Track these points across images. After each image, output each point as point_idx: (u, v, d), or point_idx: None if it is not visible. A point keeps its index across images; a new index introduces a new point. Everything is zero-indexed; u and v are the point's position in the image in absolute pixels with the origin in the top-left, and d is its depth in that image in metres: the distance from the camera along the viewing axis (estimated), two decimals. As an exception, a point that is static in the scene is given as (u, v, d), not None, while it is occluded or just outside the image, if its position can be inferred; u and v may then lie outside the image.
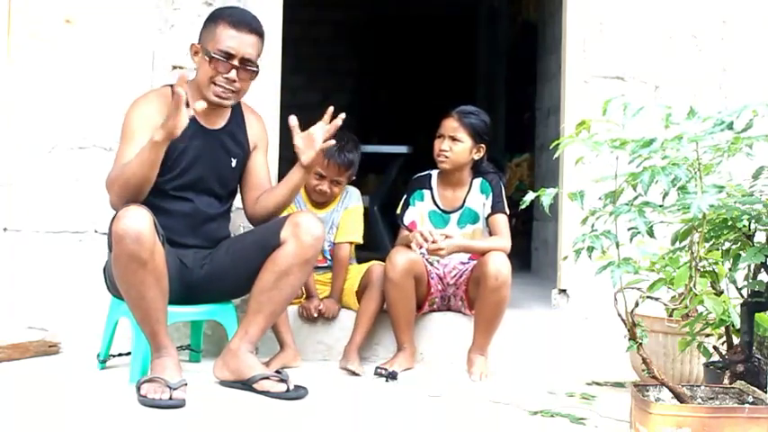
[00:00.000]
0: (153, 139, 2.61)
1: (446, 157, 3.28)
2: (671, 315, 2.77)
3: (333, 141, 2.84)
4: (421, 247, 3.09)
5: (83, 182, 3.32)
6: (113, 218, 2.63)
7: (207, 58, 2.80)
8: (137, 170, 2.65)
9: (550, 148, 2.25)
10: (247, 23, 2.83)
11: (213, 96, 2.83)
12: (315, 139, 2.82)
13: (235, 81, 2.81)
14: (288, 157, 3.26)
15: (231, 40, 2.79)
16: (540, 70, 4.96)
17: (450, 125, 3.28)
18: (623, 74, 3.48)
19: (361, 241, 3.42)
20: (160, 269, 2.62)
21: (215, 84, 2.81)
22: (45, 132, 3.33)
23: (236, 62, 2.80)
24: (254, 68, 2.85)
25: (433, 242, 3.08)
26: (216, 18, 2.85)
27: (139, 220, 2.56)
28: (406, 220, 3.37)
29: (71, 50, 3.34)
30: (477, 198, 3.33)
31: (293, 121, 2.84)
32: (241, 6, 3.21)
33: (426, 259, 3.25)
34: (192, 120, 2.85)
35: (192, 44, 2.88)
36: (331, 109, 2.84)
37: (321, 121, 2.84)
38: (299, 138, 2.84)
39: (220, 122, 2.93)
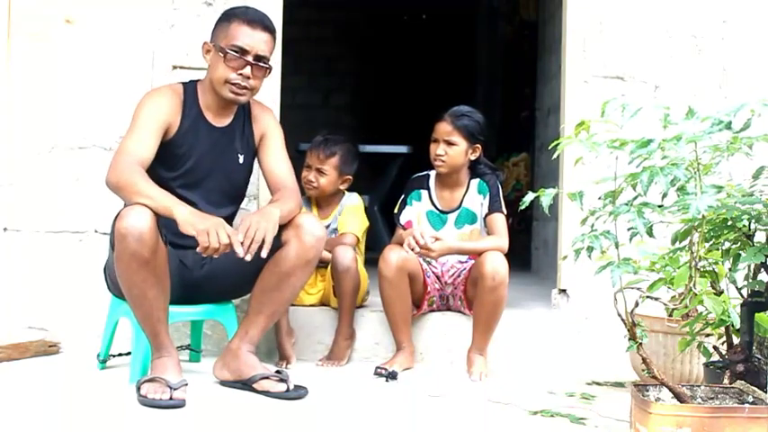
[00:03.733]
0: (173, 212, 2.56)
1: (443, 162, 3.29)
2: (671, 315, 2.78)
3: None
4: (413, 249, 3.09)
5: (83, 182, 3.32)
6: (116, 216, 2.63)
7: (221, 55, 2.81)
8: (146, 201, 2.58)
9: (549, 148, 2.25)
10: (260, 21, 2.85)
11: (228, 93, 2.84)
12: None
13: (249, 78, 2.82)
14: (289, 157, 3.25)
15: (246, 37, 2.81)
16: (540, 70, 4.96)
17: (444, 129, 3.28)
18: (623, 74, 3.48)
19: (358, 234, 3.41)
20: (162, 268, 2.62)
21: (229, 81, 2.82)
22: (45, 132, 3.33)
23: (250, 58, 2.81)
24: (268, 66, 2.87)
25: (424, 244, 3.08)
26: (229, 16, 2.86)
27: (142, 220, 2.56)
28: (403, 219, 3.37)
29: (71, 50, 3.34)
30: (475, 198, 3.33)
31: None
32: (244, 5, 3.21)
33: (423, 258, 3.25)
34: (200, 118, 2.86)
35: (204, 42, 2.87)
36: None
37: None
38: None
39: (227, 120, 2.93)
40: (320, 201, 3.48)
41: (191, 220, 2.58)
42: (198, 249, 2.57)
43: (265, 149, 2.99)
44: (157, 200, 2.61)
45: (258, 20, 2.85)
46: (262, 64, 2.84)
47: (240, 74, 2.81)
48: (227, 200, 2.96)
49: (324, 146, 3.42)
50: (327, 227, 3.41)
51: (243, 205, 3.27)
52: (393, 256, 3.14)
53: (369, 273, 3.42)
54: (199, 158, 2.85)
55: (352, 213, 3.44)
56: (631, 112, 2.03)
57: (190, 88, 2.91)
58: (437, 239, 3.14)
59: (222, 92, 2.84)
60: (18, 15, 3.32)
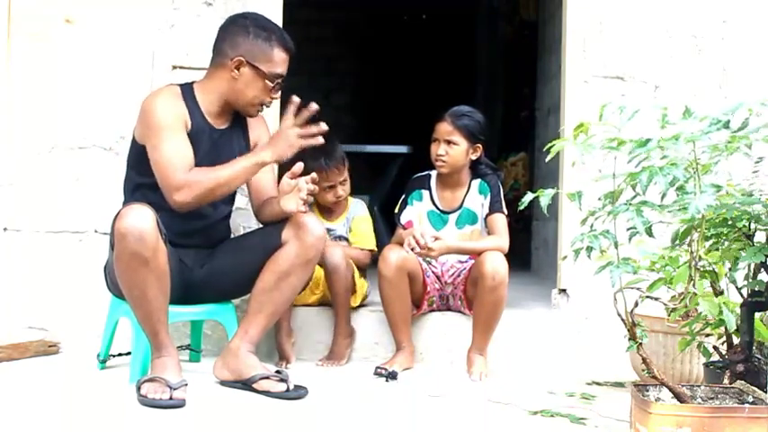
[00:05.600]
0: (262, 159, 2.75)
1: (444, 162, 3.29)
2: (671, 315, 2.77)
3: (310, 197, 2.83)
4: (413, 249, 3.09)
5: (83, 182, 3.32)
6: (116, 216, 2.64)
7: (267, 82, 2.83)
8: (231, 181, 2.76)
9: (544, 150, 2.25)
10: (292, 44, 2.90)
11: (253, 111, 2.90)
12: (301, 189, 2.76)
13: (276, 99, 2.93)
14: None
15: (284, 64, 2.88)
16: (540, 70, 4.96)
17: (445, 129, 3.28)
18: (623, 74, 3.48)
19: (374, 248, 3.43)
20: (162, 268, 2.62)
21: (262, 103, 2.88)
22: (45, 132, 3.33)
23: (280, 81, 2.88)
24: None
25: (425, 244, 3.08)
26: (270, 39, 2.84)
27: (142, 219, 2.56)
28: (404, 219, 3.37)
29: (71, 50, 3.34)
30: (476, 199, 3.33)
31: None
32: (242, 7, 3.21)
33: (423, 258, 3.25)
34: (203, 119, 2.86)
35: (237, 57, 2.81)
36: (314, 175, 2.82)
37: (308, 177, 2.79)
38: (286, 183, 2.80)
39: (226, 122, 2.93)
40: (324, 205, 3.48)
41: (275, 150, 2.76)
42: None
43: None
44: (237, 170, 2.75)
45: (291, 44, 2.90)
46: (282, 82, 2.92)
47: (273, 97, 2.90)
48: (223, 201, 2.97)
49: (335, 157, 3.34)
50: (333, 231, 3.41)
51: (243, 205, 3.28)
52: (393, 256, 3.14)
53: (369, 272, 3.42)
54: (200, 160, 2.83)
55: (365, 225, 3.47)
56: (629, 114, 2.03)
57: (187, 90, 2.90)
58: (437, 239, 3.14)
59: (246, 109, 2.89)
60: (18, 15, 3.32)
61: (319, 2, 7.52)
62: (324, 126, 2.78)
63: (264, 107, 2.92)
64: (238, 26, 2.86)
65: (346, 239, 3.45)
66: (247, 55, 2.82)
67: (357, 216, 3.47)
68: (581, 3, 3.49)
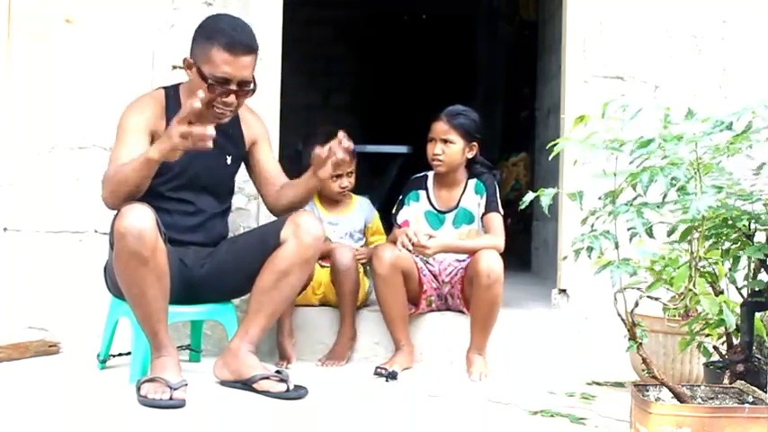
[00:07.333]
0: (148, 155, 2.56)
1: (440, 161, 3.30)
2: (669, 312, 2.77)
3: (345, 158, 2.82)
4: (405, 248, 3.09)
5: (83, 182, 3.32)
6: (115, 215, 2.63)
7: (205, 82, 2.71)
8: (130, 177, 2.62)
9: (546, 148, 2.25)
10: (241, 44, 2.72)
11: (210, 117, 2.73)
12: (334, 151, 2.74)
13: (232, 104, 2.78)
14: (287, 156, 3.28)
15: (227, 65, 2.70)
16: (540, 70, 4.96)
17: (441, 128, 3.29)
18: (623, 74, 3.48)
19: None
20: (161, 267, 2.62)
21: (212, 105, 2.73)
22: (45, 132, 3.33)
23: (233, 86, 2.74)
24: (251, 88, 2.80)
25: (418, 242, 3.09)
26: (211, 38, 2.72)
27: (142, 218, 2.56)
28: (400, 219, 3.38)
29: (71, 50, 3.34)
30: (472, 198, 3.34)
31: (342, 135, 2.78)
32: (242, 7, 3.21)
33: (420, 257, 3.25)
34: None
35: (184, 58, 2.80)
36: (342, 133, 2.78)
37: (335, 141, 2.77)
38: (319, 149, 2.79)
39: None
40: (325, 196, 3.48)
41: (162, 145, 2.52)
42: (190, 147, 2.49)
43: (259, 153, 3.00)
44: (133, 167, 2.59)
45: (239, 42, 2.72)
46: (245, 88, 2.78)
47: (224, 101, 2.76)
48: (217, 200, 2.96)
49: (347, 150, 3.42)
50: (336, 224, 3.41)
51: (243, 205, 3.28)
52: (386, 254, 3.14)
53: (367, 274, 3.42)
54: (187, 161, 2.77)
55: (379, 230, 3.55)
56: (632, 113, 2.03)
57: (172, 92, 2.89)
58: (431, 237, 3.15)
59: (204, 113, 2.80)
60: (18, 15, 3.32)
61: (319, 1, 7.52)
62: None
63: (228, 112, 2.78)
64: (199, 25, 2.83)
65: (350, 237, 3.45)
66: (193, 55, 2.78)
67: (374, 216, 3.54)
68: (581, 3, 3.49)
